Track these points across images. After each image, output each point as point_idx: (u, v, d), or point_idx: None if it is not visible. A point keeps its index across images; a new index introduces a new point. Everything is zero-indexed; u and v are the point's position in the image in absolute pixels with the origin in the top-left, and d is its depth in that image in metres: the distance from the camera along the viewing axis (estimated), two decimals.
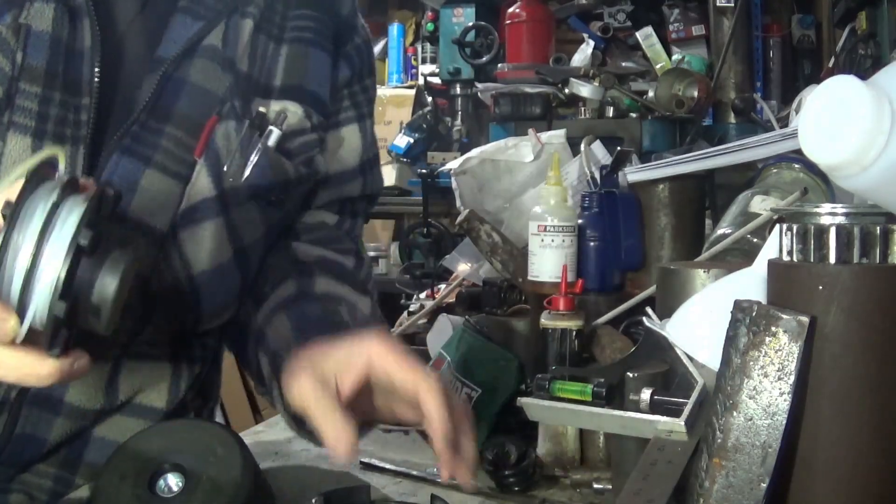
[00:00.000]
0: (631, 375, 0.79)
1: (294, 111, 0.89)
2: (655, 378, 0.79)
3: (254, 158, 0.84)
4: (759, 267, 0.69)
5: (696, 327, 0.75)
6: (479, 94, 1.86)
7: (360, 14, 1.01)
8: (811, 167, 1.17)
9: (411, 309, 1.66)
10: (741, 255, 1.02)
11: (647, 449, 0.70)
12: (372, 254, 3.17)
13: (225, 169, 0.83)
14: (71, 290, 0.55)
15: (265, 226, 0.90)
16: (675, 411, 0.72)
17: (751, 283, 0.69)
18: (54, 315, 0.55)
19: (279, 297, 0.90)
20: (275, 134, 0.86)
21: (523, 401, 0.81)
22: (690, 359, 0.77)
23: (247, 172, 0.84)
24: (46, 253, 0.54)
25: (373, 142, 1.04)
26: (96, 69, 0.78)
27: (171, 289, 0.84)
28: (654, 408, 0.75)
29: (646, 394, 0.76)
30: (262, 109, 0.86)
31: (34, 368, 0.57)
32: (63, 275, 0.54)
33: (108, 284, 0.56)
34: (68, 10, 0.77)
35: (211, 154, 0.82)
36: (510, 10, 2.41)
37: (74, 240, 0.55)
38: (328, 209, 1.01)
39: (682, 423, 0.70)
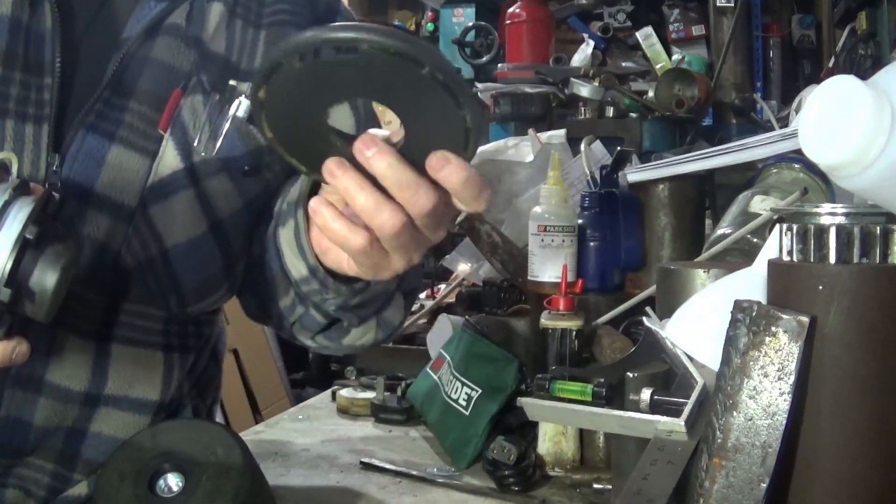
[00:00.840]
0: (631, 375, 0.79)
1: None
2: (655, 378, 0.79)
3: (224, 130, 0.85)
4: (759, 267, 0.68)
5: (696, 327, 0.75)
6: (479, 94, 1.86)
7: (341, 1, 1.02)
8: (811, 167, 1.17)
9: (412, 309, 1.66)
10: (741, 255, 1.02)
11: (647, 449, 0.70)
12: None
13: (196, 144, 0.84)
14: (15, 278, 0.60)
15: (243, 199, 0.90)
16: (675, 411, 0.72)
17: (751, 283, 0.69)
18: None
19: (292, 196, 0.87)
20: (244, 104, 0.86)
21: (523, 401, 0.81)
22: (690, 359, 0.77)
23: (217, 145, 0.85)
24: None
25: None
26: (58, 50, 0.79)
27: (145, 264, 0.84)
28: (654, 408, 0.75)
29: (646, 394, 0.76)
30: (232, 83, 0.87)
31: None
32: (9, 265, 0.60)
33: (49, 276, 0.62)
34: None
35: (177, 128, 0.84)
36: (510, 10, 2.40)
37: (21, 233, 0.60)
38: None
39: (682, 423, 0.69)
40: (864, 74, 0.53)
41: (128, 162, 0.82)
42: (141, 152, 0.83)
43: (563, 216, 1.16)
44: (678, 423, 0.70)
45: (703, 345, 0.72)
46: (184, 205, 0.85)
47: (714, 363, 0.66)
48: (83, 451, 0.84)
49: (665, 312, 0.85)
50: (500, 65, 2.05)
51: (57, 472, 0.84)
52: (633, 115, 1.63)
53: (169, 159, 0.84)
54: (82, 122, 0.80)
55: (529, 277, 1.18)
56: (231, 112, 0.85)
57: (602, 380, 0.78)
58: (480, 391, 1.07)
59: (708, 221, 1.38)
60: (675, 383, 0.78)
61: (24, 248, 0.61)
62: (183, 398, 0.93)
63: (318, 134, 0.68)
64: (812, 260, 0.57)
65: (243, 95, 0.86)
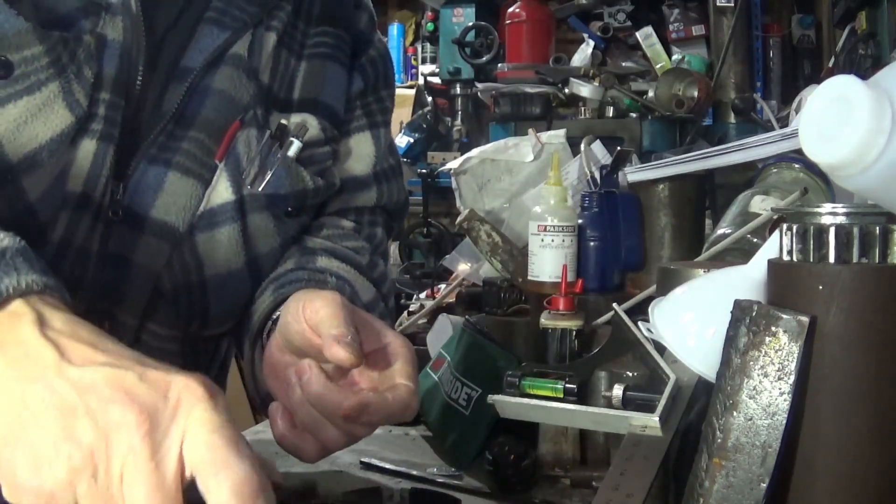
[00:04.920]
0: (602, 372, 0.79)
1: (312, 124, 0.90)
2: (627, 374, 0.79)
3: (273, 168, 0.85)
4: (751, 267, 0.68)
5: (678, 325, 0.74)
6: (479, 94, 1.86)
7: (377, 29, 1.02)
8: (811, 167, 1.17)
9: (411, 309, 1.66)
10: (741, 255, 1.02)
11: (622, 445, 0.70)
12: None
13: (244, 176, 0.84)
14: None
15: (281, 237, 0.91)
16: (648, 407, 0.72)
17: (738, 281, 0.69)
18: None
19: (275, 273, 0.90)
20: (295, 145, 0.87)
21: (494, 398, 0.81)
22: (661, 354, 0.77)
23: (265, 180, 0.85)
24: None
25: (389, 152, 1.03)
26: (139, 78, 0.79)
27: (182, 289, 0.84)
28: (627, 404, 0.75)
29: (618, 390, 0.76)
30: (283, 122, 0.87)
31: None
32: None
33: None
34: (130, 20, 0.78)
35: (231, 159, 0.84)
36: (510, 10, 2.41)
37: None
38: (342, 216, 1.01)
39: (657, 418, 0.70)
40: (864, 74, 0.53)
41: (183, 187, 0.82)
42: (196, 178, 0.83)
43: (563, 216, 1.16)
44: (652, 419, 0.70)
45: (684, 341, 0.72)
46: (228, 237, 0.85)
47: (694, 360, 0.67)
48: None
49: None
50: (500, 65, 2.05)
51: None
52: (633, 115, 1.63)
53: (221, 190, 0.84)
54: (145, 154, 0.80)
55: (529, 277, 1.18)
56: (282, 151, 0.86)
57: (572, 374, 0.78)
58: (480, 391, 1.07)
59: (708, 221, 1.38)
60: (648, 379, 0.79)
61: None
62: None
63: None
64: (812, 260, 0.57)
65: (294, 137, 0.87)
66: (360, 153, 0.99)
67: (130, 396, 0.46)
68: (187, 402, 0.47)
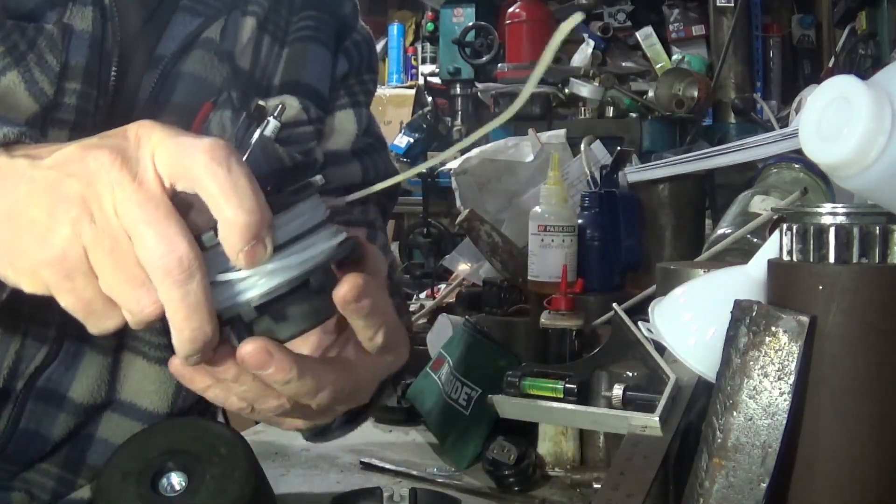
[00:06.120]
0: (602, 372, 0.79)
1: (291, 104, 0.90)
2: (627, 374, 0.79)
3: (250, 149, 0.85)
4: (751, 267, 0.68)
5: (678, 323, 0.74)
6: (479, 94, 1.86)
7: (360, 15, 1.02)
8: (811, 167, 1.17)
9: (411, 309, 1.66)
10: (741, 255, 1.02)
11: (622, 445, 0.70)
12: None
13: None
14: (267, 308, 0.54)
15: None
16: (648, 407, 0.72)
17: (738, 281, 0.69)
18: (237, 313, 0.54)
19: None
20: (272, 124, 0.86)
21: (495, 398, 0.81)
22: (661, 354, 0.77)
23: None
24: (284, 263, 0.53)
25: (370, 130, 1.03)
26: (113, 69, 0.79)
27: None
28: (627, 404, 0.75)
29: (618, 390, 0.76)
30: (261, 103, 0.87)
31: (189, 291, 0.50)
32: (274, 294, 0.53)
33: (284, 329, 0.55)
34: (101, 12, 0.78)
35: None
36: (510, 10, 2.41)
37: (305, 274, 0.54)
38: (331, 195, 1.01)
39: (657, 418, 0.70)
40: (864, 74, 0.53)
41: None
42: None
43: (563, 216, 1.17)
44: (652, 419, 0.70)
45: (684, 341, 0.72)
46: None
47: (694, 360, 0.67)
48: (88, 457, 0.84)
49: None
50: (500, 65, 2.05)
51: (62, 476, 0.84)
52: (633, 115, 1.64)
53: None
54: None
55: (529, 277, 1.18)
56: (258, 131, 0.86)
57: (572, 374, 0.78)
58: (480, 391, 1.07)
59: (708, 221, 1.38)
60: (647, 379, 0.79)
61: (298, 289, 0.53)
62: (189, 409, 0.93)
63: None
64: (812, 260, 0.57)
65: (271, 116, 0.87)
66: (342, 129, 0.99)
67: (98, 147, 0.52)
68: (145, 132, 0.52)
